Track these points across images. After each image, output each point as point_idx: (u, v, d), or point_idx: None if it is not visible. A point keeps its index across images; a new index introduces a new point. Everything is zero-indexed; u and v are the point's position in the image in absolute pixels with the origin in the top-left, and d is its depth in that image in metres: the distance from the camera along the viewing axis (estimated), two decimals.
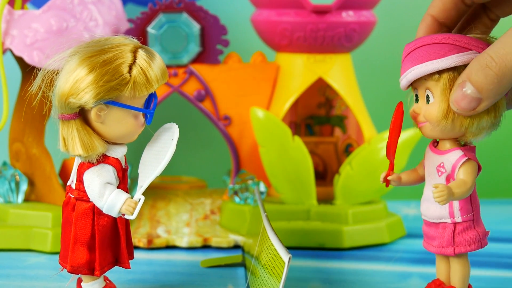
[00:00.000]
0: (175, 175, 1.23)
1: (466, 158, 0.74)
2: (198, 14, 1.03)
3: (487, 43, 0.72)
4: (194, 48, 1.03)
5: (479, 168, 0.75)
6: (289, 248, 0.70)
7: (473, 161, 0.74)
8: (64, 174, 1.05)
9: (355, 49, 1.07)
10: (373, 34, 1.08)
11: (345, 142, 1.11)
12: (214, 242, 1.00)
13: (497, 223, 1.14)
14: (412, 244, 1.02)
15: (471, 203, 0.75)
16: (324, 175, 1.12)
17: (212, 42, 1.03)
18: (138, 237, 0.99)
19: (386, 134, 1.03)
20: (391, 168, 0.77)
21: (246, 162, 1.07)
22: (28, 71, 1.01)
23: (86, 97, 0.70)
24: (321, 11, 1.02)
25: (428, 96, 0.73)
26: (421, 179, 0.78)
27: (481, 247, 0.76)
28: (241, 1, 1.21)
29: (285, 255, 0.67)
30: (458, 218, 0.75)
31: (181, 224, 1.03)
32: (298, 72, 1.05)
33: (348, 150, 1.10)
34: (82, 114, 0.72)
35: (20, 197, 1.03)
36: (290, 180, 1.02)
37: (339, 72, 1.06)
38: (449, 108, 0.72)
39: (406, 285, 0.88)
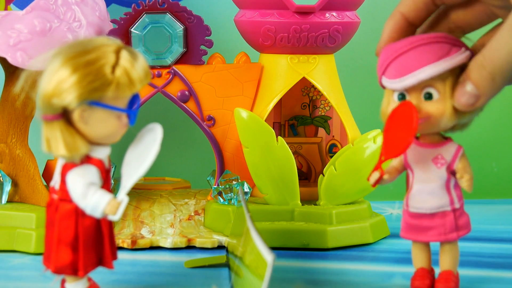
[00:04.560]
0: (159, 176, 1.23)
1: (462, 148, 0.80)
2: (181, 15, 1.03)
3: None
4: (178, 49, 1.03)
5: None
6: (273, 249, 0.71)
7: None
8: (47, 175, 1.05)
9: (338, 50, 1.07)
10: (357, 35, 1.08)
11: (329, 142, 1.11)
12: (198, 242, 1.00)
13: (480, 223, 1.15)
14: (395, 244, 1.03)
15: (460, 190, 0.82)
16: (308, 175, 1.12)
17: (196, 43, 1.04)
18: (122, 238, 0.99)
19: (370, 135, 1.04)
20: (382, 170, 0.81)
21: (230, 163, 1.07)
22: (11, 72, 1.01)
23: (69, 98, 0.69)
24: (304, 12, 1.02)
25: (429, 94, 0.77)
26: (398, 174, 0.83)
27: None
28: (224, 2, 1.21)
29: (268, 256, 0.67)
30: (457, 204, 0.81)
31: (165, 225, 1.03)
32: (281, 72, 1.05)
33: (332, 150, 1.11)
34: (65, 115, 0.72)
35: (4, 198, 1.02)
36: (274, 180, 1.03)
37: (322, 72, 1.06)
38: None
39: (390, 285, 0.88)
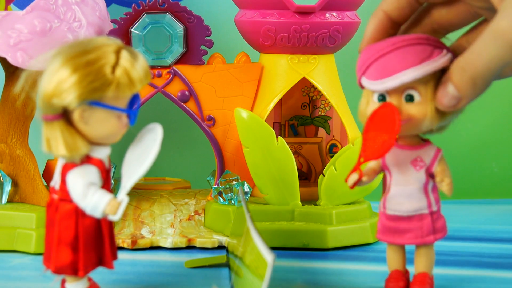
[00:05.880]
0: (159, 176, 1.23)
1: (441, 151, 0.80)
2: (182, 15, 1.03)
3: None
4: (178, 49, 1.03)
5: None
6: (273, 249, 0.71)
7: None
8: (47, 175, 1.05)
9: (338, 50, 1.07)
10: (357, 35, 1.08)
11: (329, 142, 1.11)
12: (198, 242, 1.00)
13: (480, 223, 1.15)
14: None
15: (437, 192, 0.81)
16: (308, 175, 1.12)
17: (196, 43, 1.04)
18: (122, 238, 0.99)
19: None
20: (361, 172, 0.80)
21: (230, 163, 1.07)
22: (11, 72, 1.01)
23: (69, 98, 0.70)
24: (304, 12, 1.02)
25: (411, 96, 0.76)
26: (375, 175, 0.82)
27: None
28: (224, 2, 1.21)
29: (268, 256, 0.67)
30: (434, 207, 0.81)
31: (165, 225, 1.03)
32: (281, 72, 1.05)
33: (332, 150, 1.11)
34: (65, 115, 0.72)
35: (4, 198, 1.02)
36: (274, 180, 1.03)
37: (322, 72, 1.06)
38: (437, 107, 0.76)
39: None
